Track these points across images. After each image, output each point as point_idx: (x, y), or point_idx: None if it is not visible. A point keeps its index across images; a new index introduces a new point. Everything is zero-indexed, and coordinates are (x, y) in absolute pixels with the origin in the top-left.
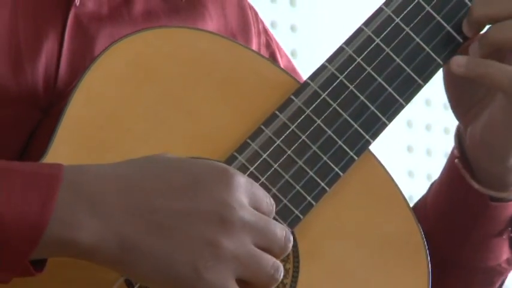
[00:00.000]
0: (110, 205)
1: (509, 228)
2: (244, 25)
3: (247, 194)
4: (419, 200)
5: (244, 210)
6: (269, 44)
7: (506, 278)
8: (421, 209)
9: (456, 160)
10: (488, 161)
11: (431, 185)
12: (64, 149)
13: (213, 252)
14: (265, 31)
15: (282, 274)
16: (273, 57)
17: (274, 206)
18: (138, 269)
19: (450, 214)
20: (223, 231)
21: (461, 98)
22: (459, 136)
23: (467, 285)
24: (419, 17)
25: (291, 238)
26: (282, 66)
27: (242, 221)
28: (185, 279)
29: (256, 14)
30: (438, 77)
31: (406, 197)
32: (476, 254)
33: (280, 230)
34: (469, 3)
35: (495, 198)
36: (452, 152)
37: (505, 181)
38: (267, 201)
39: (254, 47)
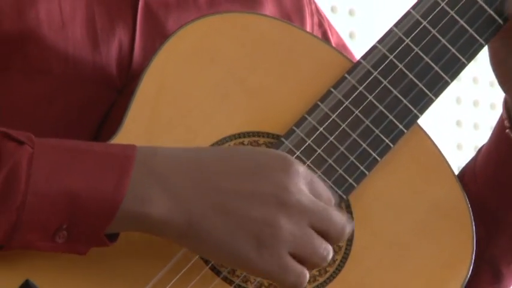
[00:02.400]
0: (180, 184)
1: None
2: (299, 7)
3: (305, 181)
4: (466, 165)
5: (302, 195)
6: (321, 23)
7: None
8: (470, 173)
9: (507, 130)
10: None
11: (478, 151)
12: (136, 126)
13: (271, 232)
14: (318, 11)
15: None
16: (325, 35)
17: (335, 194)
18: (203, 244)
19: (499, 177)
20: (281, 213)
21: (507, 74)
22: (507, 107)
23: None
24: (463, 1)
25: (349, 226)
26: (333, 44)
27: (299, 204)
28: (245, 255)
29: None
30: (484, 57)
31: (455, 168)
32: None
33: (338, 216)
34: None
35: None
36: (498, 122)
37: None
38: (325, 192)
39: (308, 26)
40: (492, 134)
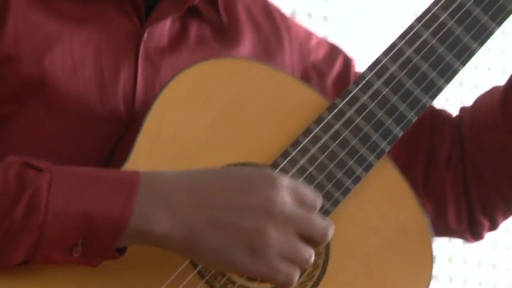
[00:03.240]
0: (179, 202)
1: None
2: (275, 30)
3: (289, 192)
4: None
5: (286, 206)
6: (298, 35)
7: None
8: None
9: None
10: None
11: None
12: (142, 156)
13: (261, 240)
14: (298, 34)
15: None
16: (302, 56)
17: (319, 196)
18: (202, 255)
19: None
20: (268, 223)
21: None
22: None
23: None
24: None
25: (330, 228)
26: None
27: (284, 214)
28: (240, 262)
29: (280, 13)
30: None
31: None
32: None
33: (320, 222)
34: None
35: None
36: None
37: None
38: (310, 194)
39: (286, 44)
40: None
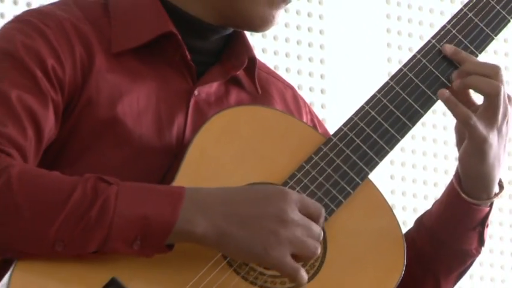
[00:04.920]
0: (214, 211)
1: (480, 226)
2: (298, 107)
3: (297, 203)
4: (418, 219)
5: (294, 215)
6: (312, 119)
7: (474, 260)
8: (418, 224)
9: (454, 181)
10: (468, 180)
11: (432, 205)
12: (185, 177)
13: (275, 238)
14: (311, 112)
15: (319, 251)
16: (314, 126)
17: (321, 208)
18: (230, 249)
19: (446, 213)
20: (281, 226)
21: (460, 141)
22: (458, 176)
23: (450, 261)
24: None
25: (321, 233)
26: (320, 131)
27: (293, 220)
28: (258, 255)
29: (304, 101)
30: None
31: None
32: (459, 240)
33: (316, 227)
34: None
35: (475, 204)
36: (449, 186)
37: (480, 196)
38: (313, 205)
39: (304, 120)
40: (443, 194)
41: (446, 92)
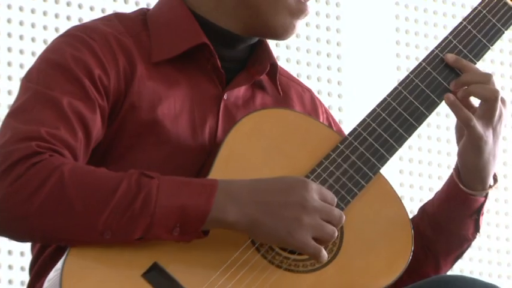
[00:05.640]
0: (244, 200)
1: (476, 214)
2: (315, 108)
3: (317, 192)
4: (423, 207)
5: (315, 201)
6: (328, 118)
7: (470, 244)
8: (421, 212)
9: (454, 174)
10: (466, 173)
11: (434, 195)
12: (217, 172)
13: (298, 223)
14: (326, 111)
15: (337, 234)
16: (329, 124)
17: (335, 198)
18: (258, 234)
19: (447, 202)
20: (303, 212)
21: (459, 139)
22: (457, 170)
23: (449, 244)
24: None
25: (343, 217)
26: (334, 129)
27: (313, 207)
28: (283, 239)
29: (320, 102)
30: None
31: None
32: (457, 226)
33: (337, 212)
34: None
35: (472, 194)
36: (449, 178)
37: (476, 187)
38: (330, 196)
39: (320, 118)
40: (444, 185)
41: (451, 96)
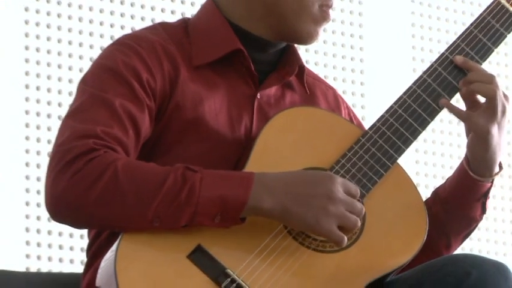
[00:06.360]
0: (277, 191)
1: (483, 197)
2: (338, 105)
3: (341, 185)
4: (436, 190)
5: (340, 193)
6: (349, 113)
7: (477, 225)
8: (434, 195)
9: (464, 162)
10: (474, 162)
11: (446, 180)
12: (253, 164)
13: (324, 213)
14: (348, 107)
15: (359, 224)
16: (350, 119)
17: (358, 191)
18: (290, 221)
19: (457, 187)
20: (329, 203)
21: (468, 133)
22: (467, 160)
23: (459, 224)
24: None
25: (363, 209)
26: (355, 123)
27: (338, 198)
28: (311, 226)
29: (343, 99)
30: None
31: None
32: (466, 208)
33: (359, 205)
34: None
35: (480, 180)
36: (460, 165)
37: (484, 174)
38: (353, 187)
39: (343, 113)
40: (454, 172)
41: (445, 101)
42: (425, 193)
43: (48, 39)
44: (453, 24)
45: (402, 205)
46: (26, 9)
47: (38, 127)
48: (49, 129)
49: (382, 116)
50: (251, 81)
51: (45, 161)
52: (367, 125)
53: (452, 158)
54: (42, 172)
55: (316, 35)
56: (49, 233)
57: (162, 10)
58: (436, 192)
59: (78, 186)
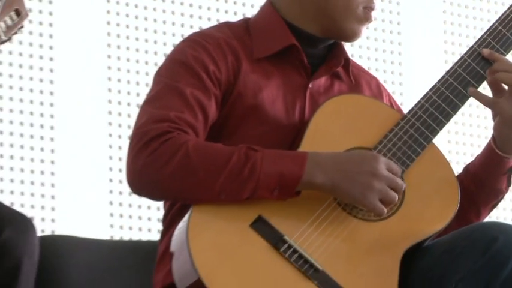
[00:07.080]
0: (328, 168)
1: (509, 172)
2: (380, 92)
3: (384, 164)
4: (466, 167)
5: (383, 171)
6: (390, 100)
7: (504, 196)
8: (465, 171)
9: (491, 141)
10: (500, 141)
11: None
12: (306, 145)
13: (369, 188)
14: (389, 94)
15: (397, 199)
16: (391, 104)
17: (399, 169)
18: (339, 194)
19: (485, 163)
20: (373, 179)
21: (494, 116)
22: (494, 140)
23: (487, 195)
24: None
25: (404, 185)
26: (395, 108)
27: (382, 175)
28: (358, 198)
29: (384, 87)
30: None
31: None
32: (494, 181)
33: (400, 181)
34: None
35: (506, 157)
36: (488, 144)
37: (509, 151)
38: (395, 167)
39: (384, 100)
40: (483, 150)
41: (473, 89)
42: (457, 169)
43: (127, 37)
44: (479, 21)
45: (437, 179)
46: (108, 12)
47: (119, 114)
48: (129, 115)
49: (419, 102)
50: (304, 72)
51: (125, 143)
52: (405, 109)
53: (480, 138)
54: (123, 153)
55: (359, 33)
56: (130, 205)
57: (226, 11)
58: (467, 168)
59: (155, 164)
